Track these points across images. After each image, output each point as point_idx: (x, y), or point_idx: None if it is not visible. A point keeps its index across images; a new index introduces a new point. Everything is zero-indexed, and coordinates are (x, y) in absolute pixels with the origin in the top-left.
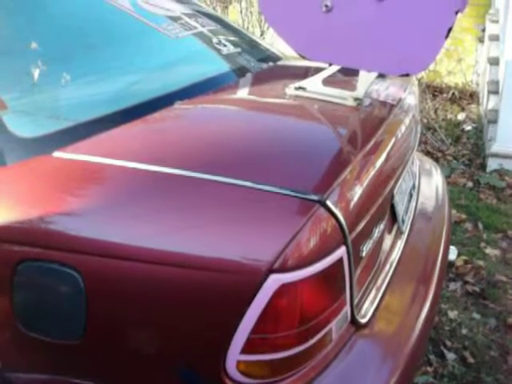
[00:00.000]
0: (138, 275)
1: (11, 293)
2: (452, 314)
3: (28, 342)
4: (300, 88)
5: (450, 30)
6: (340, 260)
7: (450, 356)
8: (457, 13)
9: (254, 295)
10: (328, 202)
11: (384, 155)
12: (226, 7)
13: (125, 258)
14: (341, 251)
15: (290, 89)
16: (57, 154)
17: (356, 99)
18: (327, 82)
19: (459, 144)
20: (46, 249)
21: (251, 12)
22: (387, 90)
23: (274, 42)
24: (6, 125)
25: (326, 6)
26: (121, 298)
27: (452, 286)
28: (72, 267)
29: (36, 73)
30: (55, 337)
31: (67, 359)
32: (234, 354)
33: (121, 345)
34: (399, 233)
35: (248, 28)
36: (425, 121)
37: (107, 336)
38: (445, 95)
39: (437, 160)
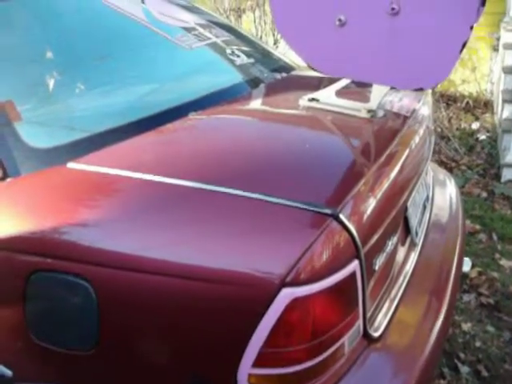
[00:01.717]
0: (149, 287)
1: (24, 303)
2: (466, 327)
3: (40, 351)
4: (313, 99)
5: (464, 44)
6: (353, 274)
7: (464, 369)
8: (471, 27)
9: (267, 309)
10: (341, 216)
11: (398, 167)
12: (240, 16)
13: (137, 270)
14: (354, 265)
15: (304, 100)
16: (70, 165)
17: (369, 111)
18: (340, 93)
19: (473, 154)
20: (58, 259)
21: (265, 21)
22: (401, 101)
23: (286, 52)
24: (20, 135)
25: (340, 20)
26: (133, 309)
27: (466, 297)
28: (84, 278)
29: (50, 84)
30: (67, 347)
31: (79, 369)
32: (246, 367)
33: (133, 356)
34: (413, 245)
35: (261, 37)
36: (438, 130)
37: (119, 347)
38: (459, 104)
39: (451, 170)
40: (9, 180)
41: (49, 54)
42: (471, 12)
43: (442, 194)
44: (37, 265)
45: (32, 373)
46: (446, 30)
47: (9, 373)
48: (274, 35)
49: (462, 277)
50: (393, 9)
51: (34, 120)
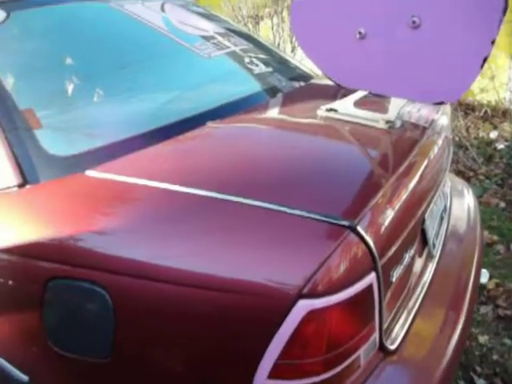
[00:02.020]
0: (165, 296)
1: (41, 309)
2: (482, 339)
3: (56, 358)
4: (331, 110)
5: (485, 59)
6: (370, 286)
7: (480, 382)
8: (493, 42)
9: (283, 320)
10: (359, 228)
11: (416, 179)
12: (258, 23)
13: (153, 279)
14: (371, 277)
15: (322, 110)
16: (89, 172)
17: (388, 122)
18: (359, 103)
19: (491, 163)
20: (75, 267)
21: (282, 28)
22: (419, 111)
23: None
24: (40, 143)
25: (360, 33)
26: (148, 317)
27: (483, 309)
28: (101, 286)
29: (70, 91)
30: (83, 354)
31: (95, 377)
32: (261, 379)
33: (148, 364)
34: (430, 256)
35: (279, 44)
36: (456, 139)
37: (135, 355)
38: (477, 113)
39: (468, 179)
40: (28, 187)
41: (69, 62)
42: (492, 27)
43: (459, 205)
44: (54, 272)
45: (48, 379)
46: (467, 44)
47: (25, 378)
48: (291, 42)
49: (479, 288)
50: (414, 22)
51: (54, 127)
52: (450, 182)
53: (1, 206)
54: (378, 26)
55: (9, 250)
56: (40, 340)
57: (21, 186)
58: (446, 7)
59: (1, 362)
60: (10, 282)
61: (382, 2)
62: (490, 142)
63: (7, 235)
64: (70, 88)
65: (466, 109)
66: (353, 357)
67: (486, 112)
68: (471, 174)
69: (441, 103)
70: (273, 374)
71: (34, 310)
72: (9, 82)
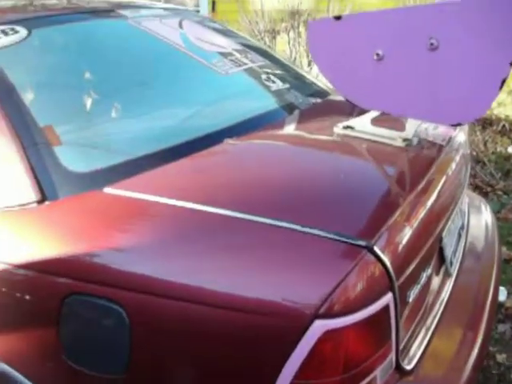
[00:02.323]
0: (181, 314)
1: (58, 324)
2: (500, 358)
3: (72, 373)
4: (348, 127)
5: (504, 81)
6: (386, 306)
7: None
8: (511, 64)
9: (299, 340)
10: (375, 248)
11: (433, 197)
12: (274, 37)
13: (169, 297)
14: (387, 298)
15: (338, 128)
16: (107, 189)
17: (405, 139)
18: (376, 121)
19: (509, 178)
20: (92, 283)
21: (299, 42)
22: (437, 129)
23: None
24: (59, 159)
25: (378, 54)
26: (164, 335)
27: (501, 327)
28: (117, 303)
29: (89, 109)
30: (99, 370)
31: None
32: None
33: (163, 382)
34: (447, 274)
35: (296, 58)
36: (474, 154)
37: (150, 372)
38: (495, 127)
39: (486, 195)
40: (47, 203)
41: (88, 79)
42: (511, 48)
43: (477, 221)
44: (72, 288)
45: None
46: (485, 65)
47: None
48: (308, 56)
49: (497, 306)
50: (431, 44)
51: (73, 144)
52: (467, 198)
53: (20, 221)
54: (396, 47)
55: (27, 266)
56: (56, 355)
57: (40, 202)
58: (463, 29)
59: (18, 377)
60: (28, 297)
61: (399, 23)
62: (508, 157)
63: (26, 251)
64: (89, 104)
65: (483, 123)
66: (369, 377)
67: (503, 126)
68: (489, 189)
69: (458, 124)
70: None
71: (51, 326)
72: (29, 99)
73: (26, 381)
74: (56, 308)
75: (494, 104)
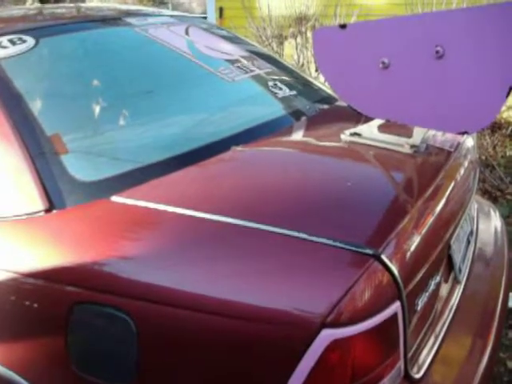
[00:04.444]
0: (188, 323)
1: (66, 333)
2: (511, 364)
3: (79, 382)
4: (355, 134)
5: (511, 88)
6: (394, 316)
7: None
8: None
9: (306, 349)
10: (383, 257)
11: (441, 205)
12: (282, 43)
13: (177, 306)
14: (395, 306)
15: (345, 135)
16: (115, 198)
17: (412, 146)
18: (383, 127)
19: None
20: (100, 292)
21: (306, 47)
22: (444, 135)
23: None
24: (66, 168)
25: (384, 62)
26: (171, 344)
27: (511, 334)
28: (125, 312)
29: (96, 117)
30: (106, 379)
31: None
32: None
33: None
34: (456, 281)
35: (303, 64)
36: (483, 158)
37: (158, 381)
38: (504, 131)
39: (495, 199)
40: (55, 212)
41: (95, 88)
42: None
43: (486, 227)
44: (79, 297)
45: None
46: (492, 73)
47: None
48: (315, 62)
49: (508, 312)
50: (437, 52)
51: (80, 152)
52: (476, 204)
53: (28, 230)
54: (402, 55)
55: (35, 274)
56: (64, 364)
57: (47, 211)
58: (470, 36)
59: None
60: (36, 306)
61: (405, 32)
62: None
63: (34, 259)
64: (96, 113)
65: (492, 127)
66: None
67: None
68: (498, 193)
69: (465, 133)
70: None
71: (59, 334)
72: (36, 108)
73: None
74: (64, 317)
75: (503, 108)
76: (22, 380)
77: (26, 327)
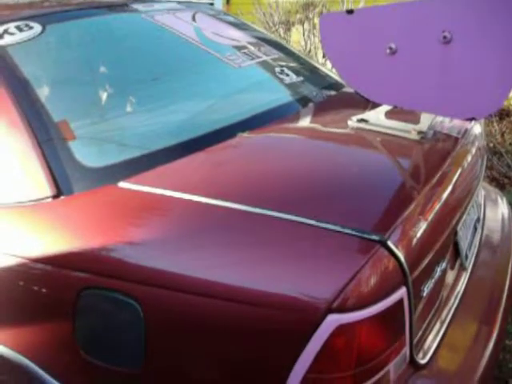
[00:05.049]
0: (195, 308)
1: (74, 318)
2: None
3: (88, 366)
4: (362, 120)
5: None
6: (400, 301)
7: None
8: None
9: (312, 334)
10: (389, 243)
11: (448, 191)
12: (289, 29)
13: (183, 291)
14: (401, 292)
15: (352, 121)
16: (122, 184)
17: (420, 132)
18: (390, 114)
19: None
20: (107, 277)
21: (314, 34)
22: (452, 121)
23: None
24: (73, 154)
25: (391, 48)
26: (179, 329)
27: None
28: (132, 297)
29: (104, 103)
30: (114, 363)
31: None
32: None
33: (178, 376)
34: (463, 268)
35: (310, 50)
36: (491, 145)
37: (165, 366)
38: None
39: (503, 186)
40: (62, 198)
41: (102, 74)
42: None
43: (493, 214)
44: (87, 282)
45: None
46: (500, 58)
47: None
48: (322, 47)
49: None
50: (445, 37)
51: (88, 139)
52: (483, 191)
53: (36, 216)
54: (409, 41)
55: (43, 260)
56: (72, 348)
57: (55, 197)
58: (477, 21)
59: (35, 370)
60: (44, 291)
61: (412, 17)
62: None
63: (41, 245)
64: (103, 99)
65: (500, 114)
66: (382, 371)
67: None
68: (506, 180)
69: (472, 119)
70: None
71: (67, 319)
72: (44, 94)
73: (43, 374)
74: (72, 301)
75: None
76: (31, 364)
77: (35, 312)
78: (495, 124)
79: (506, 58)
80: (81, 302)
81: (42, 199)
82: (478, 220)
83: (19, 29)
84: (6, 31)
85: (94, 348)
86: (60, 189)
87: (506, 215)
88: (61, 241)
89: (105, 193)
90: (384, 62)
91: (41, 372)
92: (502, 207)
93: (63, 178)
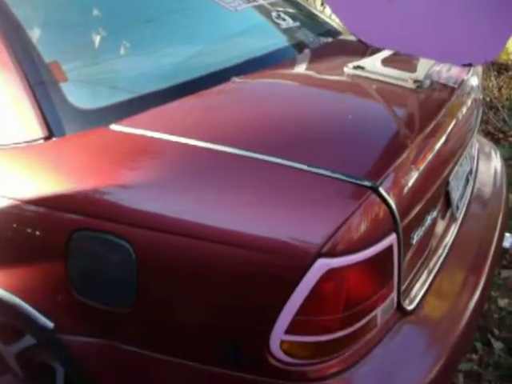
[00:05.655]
0: (186, 250)
1: (66, 259)
2: (502, 303)
3: (80, 306)
4: (358, 67)
5: None
6: (390, 247)
7: (497, 345)
8: None
9: (302, 277)
10: (380, 189)
11: (442, 141)
12: None
13: (175, 233)
14: (391, 239)
15: (349, 68)
16: (114, 126)
17: (416, 81)
18: (387, 61)
19: None
20: (99, 219)
21: None
22: (449, 71)
23: (333, 14)
24: (65, 96)
25: None
26: (169, 271)
27: (504, 273)
28: (124, 238)
29: (96, 45)
30: (107, 304)
31: (117, 326)
32: (278, 334)
33: (169, 316)
34: (453, 219)
35: None
36: (487, 99)
37: (156, 307)
38: (510, 73)
39: (498, 141)
40: (54, 139)
41: (94, 15)
42: None
43: (486, 167)
44: (79, 223)
45: (72, 326)
46: (500, 4)
47: (51, 325)
48: None
49: (501, 252)
50: None
51: (79, 81)
52: (477, 144)
53: (27, 158)
54: None
55: (35, 202)
56: (65, 289)
57: (47, 138)
58: None
59: (28, 309)
60: (37, 233)
61: None
62: None
63: (33, 187)
64: (96, 41)
65: (499, 68)
66: (369, 316)
67: None
68: (501, 135)
69: (469, 65)
70: (290, 330)
71: (60, 261)
72: (35, 35)
73: (36, 313)
74: (64, 243)
75: (511, 49)
76: (25, 305)
77: (28, 253)
78: (493, 78)
79: (505, 4)
80: (73, 244)
81: (34, 141)
82: (470, 172)
83: None
84: None
85: (86, 288)
86: (51, 130)
87: (499, 169)
88: (53, 182)
89: (97, 135)
90: (382, 6)
91: (34, 312)
92: (495, 161)
93: (55, 119)
